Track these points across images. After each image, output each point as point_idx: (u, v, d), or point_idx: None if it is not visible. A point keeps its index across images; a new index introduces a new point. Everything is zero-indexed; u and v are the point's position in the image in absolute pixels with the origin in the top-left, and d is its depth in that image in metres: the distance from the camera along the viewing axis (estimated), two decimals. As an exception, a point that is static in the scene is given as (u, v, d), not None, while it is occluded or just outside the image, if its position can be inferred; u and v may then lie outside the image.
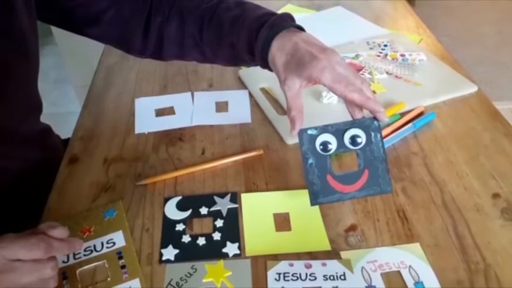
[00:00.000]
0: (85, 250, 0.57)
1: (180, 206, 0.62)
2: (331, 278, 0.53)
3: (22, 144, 0.71)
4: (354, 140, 0.58)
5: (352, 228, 0.59)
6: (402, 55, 0.91)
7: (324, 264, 0.54)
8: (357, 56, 0.91)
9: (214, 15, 0.68)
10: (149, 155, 0.71)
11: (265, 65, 0.63)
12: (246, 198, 0.63)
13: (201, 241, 0.58)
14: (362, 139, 0.58)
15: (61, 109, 1.90)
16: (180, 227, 0.60)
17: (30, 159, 0.73)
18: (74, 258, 0.56)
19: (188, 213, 0.62)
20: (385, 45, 0.94)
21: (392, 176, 0.64)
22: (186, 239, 0.58)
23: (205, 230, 0.59)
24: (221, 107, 0.81)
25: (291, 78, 0.58)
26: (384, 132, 0.70)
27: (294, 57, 0.58)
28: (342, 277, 0.53)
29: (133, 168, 0.69)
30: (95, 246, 0.58)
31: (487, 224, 0.58)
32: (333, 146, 0.58)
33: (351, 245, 0.57)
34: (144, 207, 0.63)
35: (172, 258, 0.56)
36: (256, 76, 0.85)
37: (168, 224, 0.60)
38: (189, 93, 0.84)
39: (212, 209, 0.62)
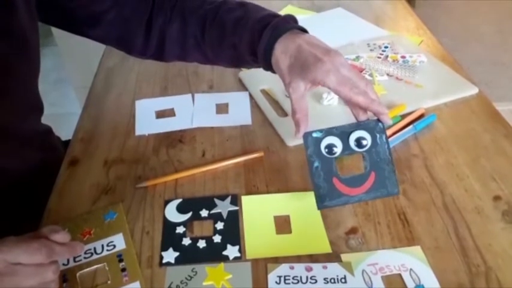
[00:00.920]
0: (85, 253, 0.57)
1: (181, 209, 0.62)
2: (332, 281, 0.53)
3: (22, 145, 0.71)
4: (359, 142, 0.57)
5: (353, 230, 0.59)
6: (403, 57, 0.90)
7: (324, 267, 0.54)
8: (358, 57, 0.91)
9: (216, 16, 0.67)
10: (149, 157, 0.71)
11: (268, 66, 0.63)
12: (247, 200, 0.63)
13: (202, 244, 0.58)
14: (367, 141, 0.58)
15: (61, 110, 1.90)
16: (180, 229, 0.60)
17: (30, 160, 0.73)
18: (74, 261, 0.56)
19: (188, 215, 0.61)
20: (386, 47, 0.94)
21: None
22: (186, 241, 0.58)
23: (205, 233, 0.59)
24: (221, 108, 0.81)
25: (295, 81, 0.58)
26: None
27: (298, 60, 0.58)
28: (343, 280, 0.53)
29: (134, 170, 0.69)
30: (95, 248, 0.58)
31: (487, 226, 0.58)
32: (339, 148, 0.58)
33: (351, 248, 0.57)
34: (144, 210, 0.63)
35: (172, 261, 0.56)
36: (257, 78, 0.85)
37: (169, 227, 0.60)
38: (190, 95, 0.84)
39: (212, 211, 0.62)
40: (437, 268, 0.54)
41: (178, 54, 0.73)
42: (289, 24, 0.62)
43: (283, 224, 0.60)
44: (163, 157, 0.71)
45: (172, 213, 0.62)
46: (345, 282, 0.52)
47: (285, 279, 0.53)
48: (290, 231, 0.59)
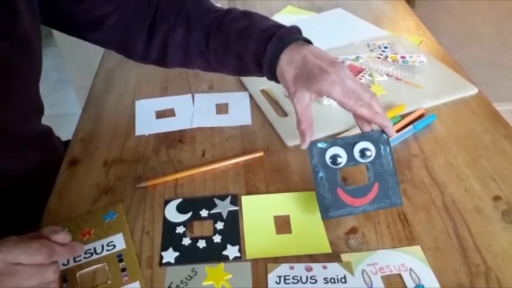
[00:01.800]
0: (85, 253, 0.57)
1: (181, 209, 0.62)
2: (332, 280, 0.53)
3: (23, 146, 0.71)
4: (363, 153, 0.58)
5: (353, 230, 0.59)
6: (402, 57, 0.90)
7: (324, 267, 0.54)
8: (357, 58, 0.91)
9: (221, 24, 0.68)
10: (149, 157, 0.71)
11: (273, 76, 0.64)
12: (247, 200, 0.63)
13: (202, 244, 0.58)
14: (371, 152, 0.58)
15: (61, 110, 1.90)
16: (180, 229, 0.60)
17: (30, 160, 0.73)
18: (74, 261, 0.56)
19: (188, 215, 0.61)
20: (386, 47, 0.94)
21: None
22: (186, 241, 0.58)
23: (205, 233, 0.59)
24: (221, 108, 0.81)
25: (300, 91, 0.58)
26: (385, 134, 0.70)
27: (303, 71, 0.59)
28: (343, 280, 0.53)
29: (134, 170, 0.69)
30: (95, 248, 0.58)
31: (487, 226, 0.58)
32: (343, 159, 0.58)
33: (351, 248, 0.57)
34: (144, 210, 0.63)
35: (172, 261, 0.56)
36: (257, 78, 0.85)
37: (169, 227, 0.60)
38: (190, 95, 0.84)
39: (212, 211, 0.62)
40: (437, 268, 0.54)
41: (180, 61, 0.74)
42: (294, 35, 0.62)
43: (283, 224, 0.60)
44: (163, 157, 0.71)
45: (172, 213, 0.62)
46: (345, 282, 0.52)
47: (284, 279, 0.53)
48: (290, 231, 0.59)
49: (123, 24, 0.70)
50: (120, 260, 0.56)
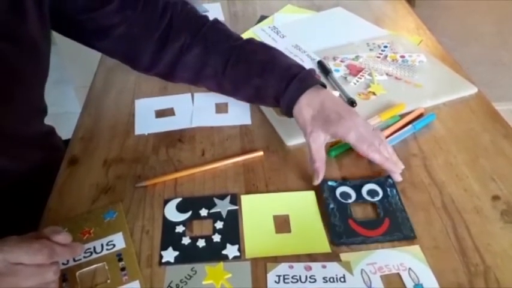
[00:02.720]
0: (85, 252, 0.57)
1: (180, 208, 0.62)
2: (331, 280, 0.53)
3: (25, 146, 0.72)
4: (371, 193, 0.62)
5: (352, 230, 0.59)
6: (402, 56, 0.91)
7: (323, 267, 0.54)
8: (357, 57, 0.91)
9: (242, 54, 0.71)
10: (149, 156, 0.71)
11: (289, 113, 0.68)
12: (246, 199, 0.63)
13: (201, 243, 0.58)
14: (379, 192, 0.62)
15: (61, 109, 1.89)
16: (180, 228, 0.60)
17: (32, 160, 0.73)
18: (74, 260, 0.56)
19: (188, 215, 0.62)
20: (385, 47, 0.94)
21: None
22: (186, 241, 0.58)
23: (205, 232, 0.59)
24: (221, 108, 0.81)
25: (316, 131, 0.64)
26: (384, 133, 0.70)
27: (321, 114, 0.64)
28: (342, 279, 0.53)
29: (133, 169, 0.69)
30: (94, 248, 0.58)
31: (486, 226, 0.58)
32: (352, 197, 0.62)
33: (350, 247, 0.57)
34: (144, 209, 0.63)
35: (172, 260, 0.56)
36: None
37: (168, 226, 0.60)
38: (189, 94, 0.84)
39: (212, 210, 0.62)
40: (436, 267, 0.54)
41: (189, 78, 0.76)
42: (314, 79, 0.68)
43: (282, 224, 0.60)
44: (162, 156, 0.71)
45: (171, 212, 0.62)
46: (344, 281, 0.53)
47: (284, 279, 0.53)
48: (289, 231, 0.59)
49: (130, 36, 0.71)
50: (120, 259, 0.56)
